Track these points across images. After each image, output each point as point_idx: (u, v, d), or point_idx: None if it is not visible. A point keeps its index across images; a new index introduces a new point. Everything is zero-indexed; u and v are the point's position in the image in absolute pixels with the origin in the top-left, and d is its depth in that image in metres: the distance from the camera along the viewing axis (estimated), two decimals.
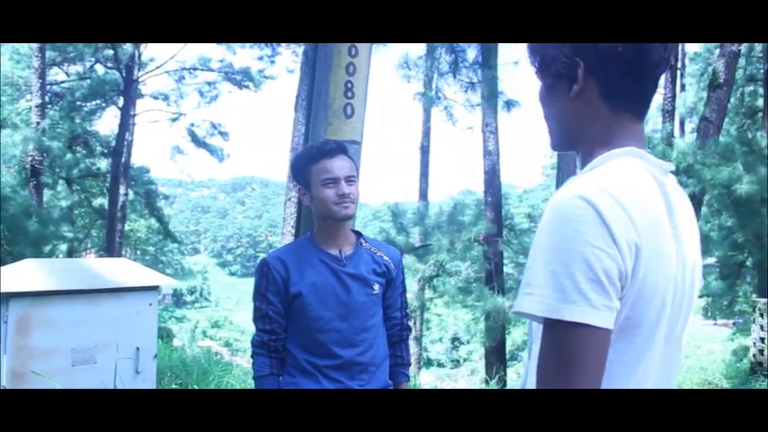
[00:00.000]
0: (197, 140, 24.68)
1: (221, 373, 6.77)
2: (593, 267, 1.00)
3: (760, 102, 19.66)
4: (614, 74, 1.17)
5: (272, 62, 22.54)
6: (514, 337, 32.16)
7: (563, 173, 5.27)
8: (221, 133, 25.08)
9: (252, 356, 2.41)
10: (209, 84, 24.30)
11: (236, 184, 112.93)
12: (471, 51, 13.38)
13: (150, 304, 4.32)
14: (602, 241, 1.01)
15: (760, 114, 19.08)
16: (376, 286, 2.38)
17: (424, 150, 22.81)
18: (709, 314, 40.75)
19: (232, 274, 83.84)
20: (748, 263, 16.82)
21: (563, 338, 1.01)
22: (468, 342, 38.92)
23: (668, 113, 14.53)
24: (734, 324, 28.76)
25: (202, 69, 23.96)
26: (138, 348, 4.27)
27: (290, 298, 2.31)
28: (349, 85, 2.59)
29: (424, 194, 22.94)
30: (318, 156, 2.33)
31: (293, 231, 10.01)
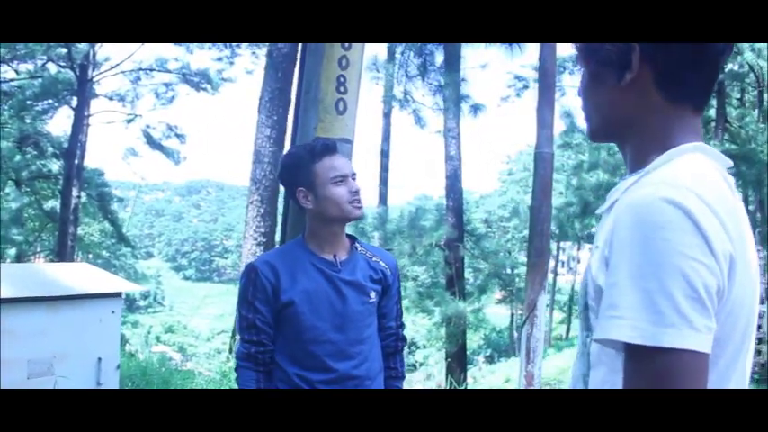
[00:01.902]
0: (153, 142, 24.16)
1: (182, 382, 6.56)
2: (693, 283, 0.86)
3: (712, 112, 20.12)
4: (675, 60, 1.03)
5: (231, 63, 22.22)
6: (470, 341, 32.37)
7: (540, 177, 5.20)
8: (178, 135, 24.60)
9: (236, 370, 2.22)
10: (165, 85, 23.82)
11: (191, 187, 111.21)
12: (440, 55, 13.34)
13: (113, 312, 4.08)
14: (699, 252, 0.87)
15: (712, 124, 19.55)
16: (372, 294, 2.21)
17: (384, 154, 22.74)
18: None
19: (187, 278, 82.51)
20: None
21: (661, 368, 0.87)
22: (424, 347, 39.00)
23: None
24: None
25: (159, 70, 23.48)
26: (99, 359, 4.03)
27: (280, 306, 2.13)
28: (342, 79, 2.43)
29: (383, 199, 22.85)
30: (322, 153, 2.16)
31: (255, 236, 9.78)
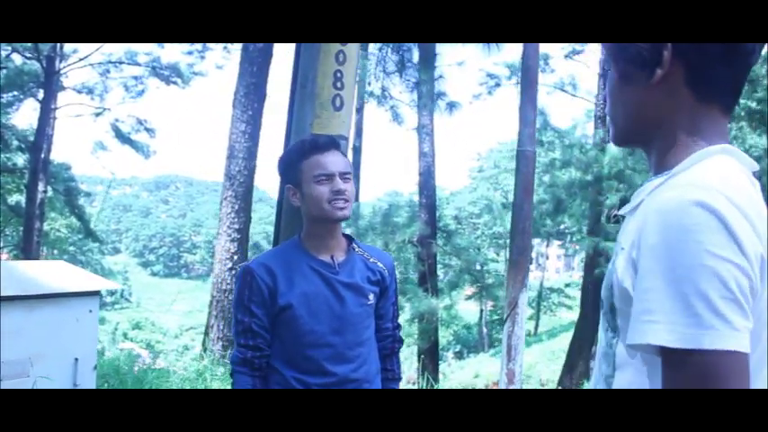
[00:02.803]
0: (122, 136, 23.80)
1: (158, 381, 6.44)
2: (727, 283, 0.86)
3: None
4: (707, 58, 1.01)
5: (203, 57, 21.96)
6: (440, 337, 32.58)
7: (522, 175, 5.20)
8: (147, 129, 24.25)
9: (231, 375, 2.16)
10: (135, 78, 23.47)
11: (159, 182, 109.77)
12: (417, 51, 13.33)
13: (90, 311, 3.98)
14: (731, 253, 0.87)
15: None
16: (371, 296, 2.16)
17: (357, 151, 22.71)
18: None
19: (154, 274, 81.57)
20: None
21: (703, 371, 0.85)
22: None
23: (600, 119, 14.86)
24: None
25: (129, 63, 23.12)
26: (76, 359, 3.92)
27: (278, 310, 2.07)
28: (338, 74, 2.37)
29: (355, 195, 22.79)
30: (310, 150, 2.10)
31: (229, 232, 9.67)
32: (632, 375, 1.02)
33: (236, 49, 19.57)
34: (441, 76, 12.54)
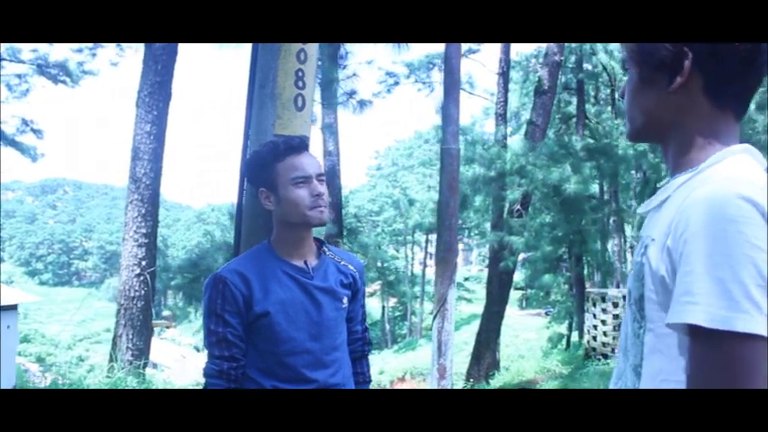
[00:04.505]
0: (5, 138, 22.39)
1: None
2: (763, 273, 0.93)
3: (572, 108, 21.35)
4: (725, 69, 1.09)
5: (94, 55, 20.96)
6: None
7: (446, 173, 5.27)
8: (34, 131, 22.92)
9: (205, 388, 2.06)
10: (18, 77, 22.12)
11: (45, 186, 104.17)
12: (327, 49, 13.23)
13: (8, 327, 3.72)
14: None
15: (574, 120, 20.75)
16: (344, 299, 2.13)
17: None
18: (524, 305, 43.95)
19: (43, 283, 77.46)
20: (565, 256, 18.21)
21: (731, 352, 0.92)
22: None
23: (501, 117, 15.27)
24: (546, 314, 31.07)
25: (11, 61, 21.78)
26: None
27: (253, 318, 1.99)
28: (300, 73, 2.29)
29: None
30: (286, 151, 2.02)
31: (136, 237, 9.30)
32: (662, 362, 1.07)
33: (128, 46, 18.88)
34: (355, 74, 12.52)
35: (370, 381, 2.35)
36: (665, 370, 1.06)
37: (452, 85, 5.26)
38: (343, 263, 2.18)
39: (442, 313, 5.07)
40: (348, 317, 2.20)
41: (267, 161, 2.03)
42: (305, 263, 2.09)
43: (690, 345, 0.97)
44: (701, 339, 0.94)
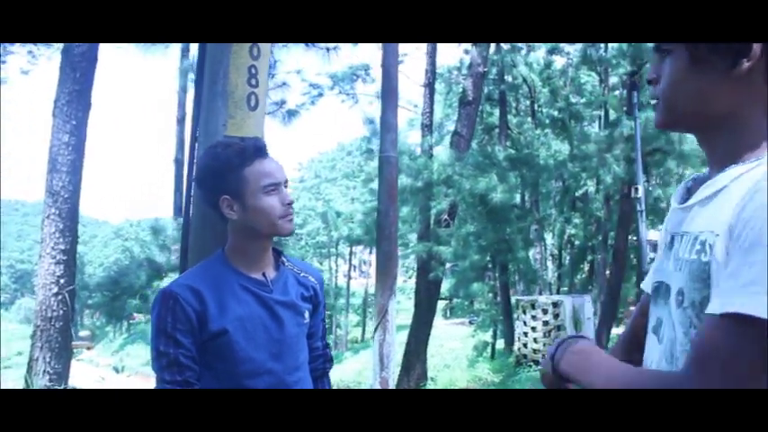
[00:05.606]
0: None
1: None
2: None
3: (495, 119, 21.77)
4: None
5: (3, 62, 19.96)
6: None
7: (385, 181, 5.18)
8: None
9: None
10: None
11: None
12: None
13: None
14: None
15: (496, 130, 21.15)
16: (306, 314, 1.96)
17: (179, 164, 21.85)
18: (448, 314, 44.40)
19: None
20: (490, 265, 18.46)
21: None
22: None
23: (427, 127, 15.37)
24: (470, 322, 31.39)
25: None
26: None
27: (208, 337, 1.79)
28: (253, 71, 2.12)
29: (178, 209, 21.91)
30: (254, 155, 1.82)
31: (54, 253, 8.82)
32: None
33: (41, 54, 18.06)
34: (285, 83, 12.31)
35: None
36: None
37: (390, 93, 5.17)
38: (303, 274, 2.02)
39: (383, 325, 4.96)
40: (309, 332, 2.03)
41: (232, 166, 1.82)
42: (263, 275, 1.91)
43: (727, 334, 0.90)
44: (749, 331, 0.88)
